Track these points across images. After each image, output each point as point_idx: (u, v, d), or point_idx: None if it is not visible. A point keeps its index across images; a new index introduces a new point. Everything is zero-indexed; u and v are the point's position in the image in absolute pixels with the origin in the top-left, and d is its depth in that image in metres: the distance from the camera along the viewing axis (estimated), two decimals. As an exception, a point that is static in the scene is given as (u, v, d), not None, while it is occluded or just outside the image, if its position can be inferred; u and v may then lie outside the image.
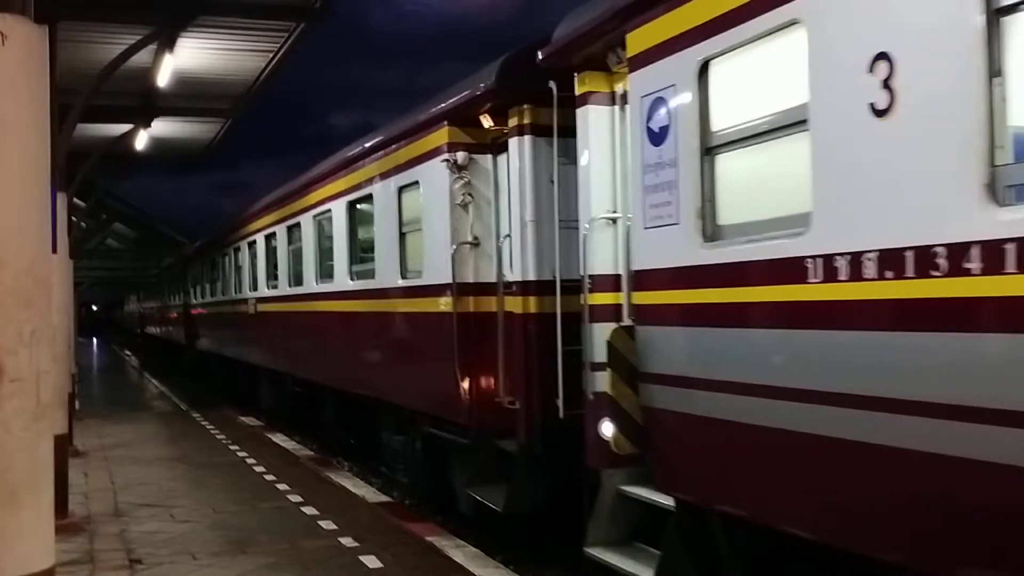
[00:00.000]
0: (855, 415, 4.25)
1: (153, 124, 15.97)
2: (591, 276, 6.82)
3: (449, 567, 7.48)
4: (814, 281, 4.48)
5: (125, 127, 16.11)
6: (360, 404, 12.31)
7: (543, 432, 7.88)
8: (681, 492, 5.79)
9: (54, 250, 5.72)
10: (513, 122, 8.24)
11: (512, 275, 8.32)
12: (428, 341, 9.58)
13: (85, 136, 15.11)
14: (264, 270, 17.93)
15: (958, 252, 3.72)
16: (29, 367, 4.16)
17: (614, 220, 6.83)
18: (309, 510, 9.63)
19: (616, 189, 6.78)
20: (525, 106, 8.05)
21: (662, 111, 5.81)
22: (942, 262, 3.80)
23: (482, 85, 8.42)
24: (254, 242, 18.67)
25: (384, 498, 10.47)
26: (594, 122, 6.88)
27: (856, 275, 4.23)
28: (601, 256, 6.80)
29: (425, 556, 7.81)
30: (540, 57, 7.23)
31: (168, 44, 11.80)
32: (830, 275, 4.38)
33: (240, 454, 13.68)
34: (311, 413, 15.67)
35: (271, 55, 13.15)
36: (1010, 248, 3.51)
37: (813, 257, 4.48)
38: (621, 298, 6.69)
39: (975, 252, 3.66)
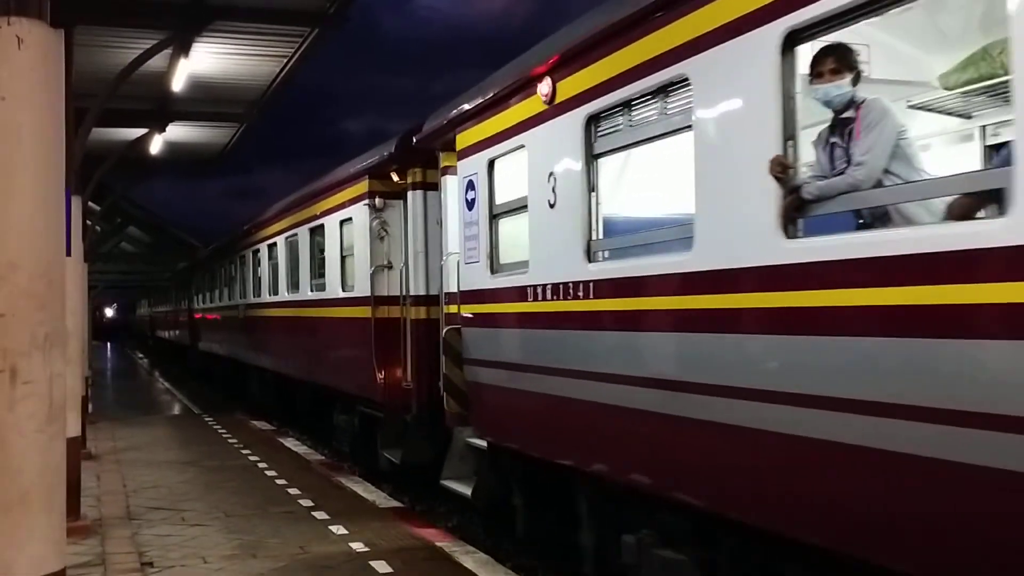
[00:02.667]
0: (551, 379, 7.01)
1: (168, 128, 16.01)
2: (447, 293, 9.50)
3: (459, 573, 7.47)
4: (531, 300, 7.29)
5: (140, 131, 16.16)
6: (322, 393, 15.00)
7: (429, 406, 10.36)
8: (486, 436, 8.48)
9: (68, 253, 5.74)
10: (410, 179, 11.22)
11: (411, 291, 11.13)
12: (358, 340, 12.22)
13: (100, 140, 15.17)
14: (251, 281, 20.66)
15: (575, 286, 6.62)
16: (42, 370, 4.18)
17: None
18: (320, 515, 9.64)
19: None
20: (417, 168, 11.01)
21: (472, 188, 8.50)
22: (570, 291, 6.67)
23: (385, 152, 11.55)
24: (244, 256, 21.57)
25: (395, 504, 10.47)
26: (450, 188, 9.43)
27: (544, 297, 7.08)
28: (453, 280, 9.17)
29: (435, 562, 7.80)
30: (415, 141, 10.19)
31: (183, 49, 11.83)
32: (535, 297, 7.22)
33: (252, 458, 13.70)
34: (290, 402, 18.22)
35: (285, 60, 13.18)
36: (592, 285, 6.42)
37: (530, 286, 7.32)
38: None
39: (581, 287, 6.56)
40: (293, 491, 10.97)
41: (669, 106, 5.73)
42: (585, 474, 6.82)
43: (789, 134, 4.64)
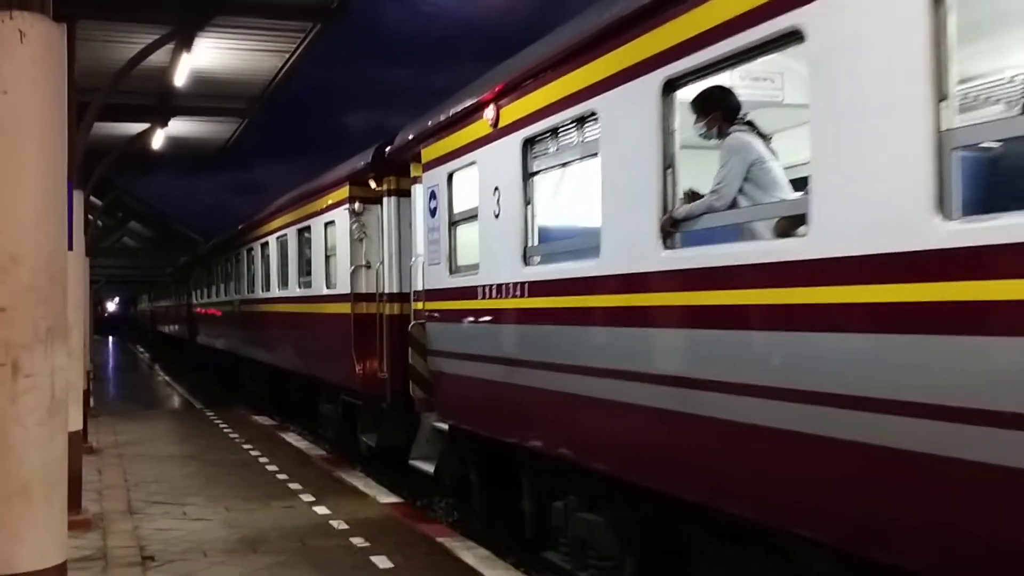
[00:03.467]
0: (495, 367, 7.90)
1: (170, 123, 16.01)
2: (415, 291, 10.69)
3: (459, 568, 7.49)
4: (481, 298, 8.16)
5: (142, 126, 16.16)
6: (310, 383, 16.01)
7: (402, 394, 10.93)
8: (447, 419, 9.32)
9: (70, 247, 5.75)
10: (385, 187, 12.15)
11: (385, 288, 12.06)
12: (340, 334, 13.06)
13: (102, 135, 15.18)
14: (245, 278, 21.69)
15: (514, 286, 7.55)
16: (44, 363, 4.18)
17: None
18: (320, 509, 9.66)
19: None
20: (392, 176, 11.91)
21: (434, 197, 9.44)
22: (511, 291, 7.60)
23: (362, 162, 12.50)
24: (239, 253, 22.46)
25: (395, 499, 10.49)
26: (418, 196, 10.49)
27: (491, 295, 7.96)
28: (420, 279, 10.21)
29: (435, 557, 7.82)
30: (387, 153, 11.42)
31: (185, 43, 11.83)
32: (484, 295, 8.12)
33: (253, 453, 13.72)
34: (281, 394, 19.10)
35: (287, 55, 13.18)
36: (527, 285, 7.35)
37: (480, 286, 8.19)
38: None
39: (520, 286, 7.46)
40: (294, 486, 10.99)
41: (584, 135, 6.71)
42: (524, 450, 7.70)
43: (668, 163, 5.61)
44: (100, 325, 65.66)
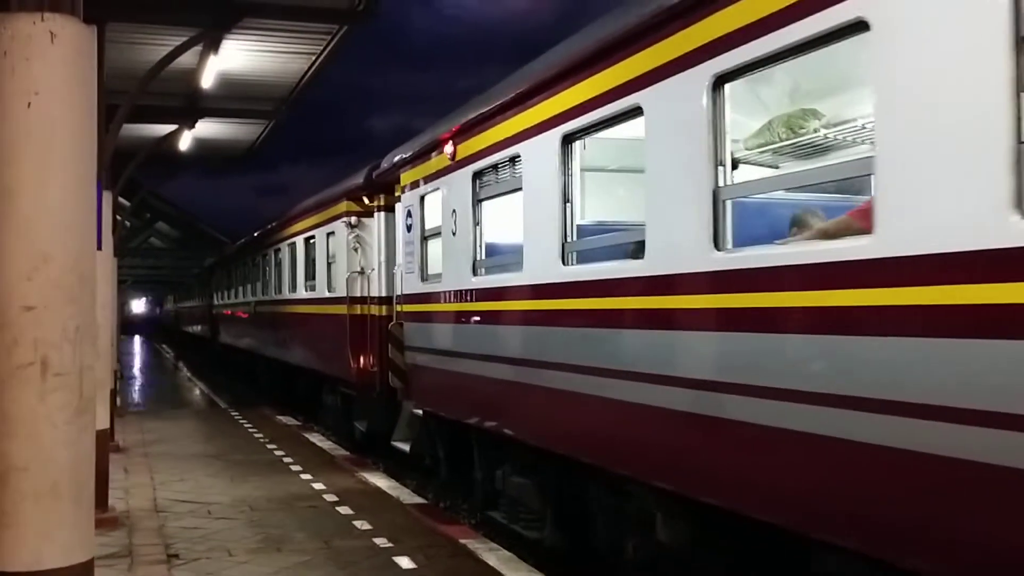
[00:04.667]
0: (452, 360, 9.49)
1: (197, 125, 16.13)
2: (396, 296, 12.33)
3: (482, 570, 7.48)
4: (443, 302, 9.69)
5: (170, 127, 16.30)
6: (314, 377, 17.63)
7: (389, 386, 12.25)
8: (421, 405, 10.95)
9: (99, 247, 5.80)
10: (376, 203, 13.90)
11: (374, 292, 13.75)
12: (338, 332, 14.65)
13: (131, 136, 15.31)
14: (260, 281, 23.46)
15: (466, 292, 9.04)
16: (73, 362, 4.21)
17: None
18: (344, 510, 9.68)
19: None
20: (382, 194, 13.57)
21: (410, 215, 11.12)
22: (464, 296, 9.12)
23: (356, 182, 14.28)
24: (255, 258, 24.38)
25: (419, 500, 10.50)
26: (399, 213, 12.07)
27: (452, 299, 9.44)
28: (400, 285, 11.89)
29: (458, 558, 7.82)
30: (374, 176, 13.31)
31: (213, 46, 11.92)
32: (446, 300, 9.62)
33: (277, 452, 13.78)
34: (291, 387, 20.37)
35: (314, 57, 13.26)
36: (475, 291, 8.87)
37: (443, 291, 9.73)
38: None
39: (470, 292, 9.01)
40: (318, 486, 11.03)
41: (515, 172, 8.16)
42: (476, 428, 9.17)
43: (567, 199, 7.16)
44: (127, 325, 66.22)
